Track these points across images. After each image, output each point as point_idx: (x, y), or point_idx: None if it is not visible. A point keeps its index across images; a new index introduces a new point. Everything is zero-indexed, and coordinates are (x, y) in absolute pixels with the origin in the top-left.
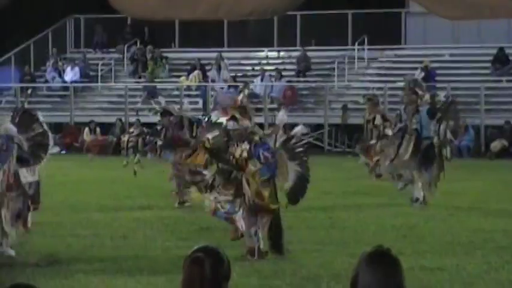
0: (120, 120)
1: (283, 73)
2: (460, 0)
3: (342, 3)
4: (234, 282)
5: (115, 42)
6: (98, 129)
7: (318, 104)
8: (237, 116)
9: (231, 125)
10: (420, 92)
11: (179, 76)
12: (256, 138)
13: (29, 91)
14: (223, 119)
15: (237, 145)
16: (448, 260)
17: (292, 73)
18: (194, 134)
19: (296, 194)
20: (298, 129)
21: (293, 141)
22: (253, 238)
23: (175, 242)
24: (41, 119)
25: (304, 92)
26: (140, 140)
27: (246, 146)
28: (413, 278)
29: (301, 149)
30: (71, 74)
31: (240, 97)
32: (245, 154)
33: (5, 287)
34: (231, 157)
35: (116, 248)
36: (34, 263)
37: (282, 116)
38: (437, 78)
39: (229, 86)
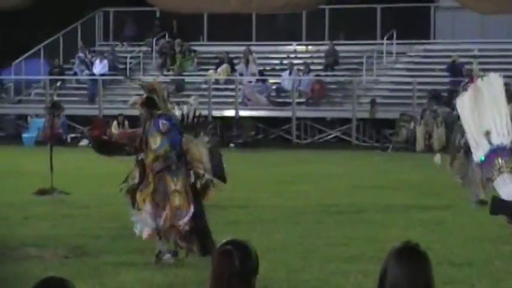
0: None
1: (311, 67)
2: None
3: None
4: (261, 276)
5: (144, 36)
6: (126, 122)
7: (346, 99)
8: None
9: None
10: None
11: (207, 70)
12: (156, 112)
13: (58, 83)
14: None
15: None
16: (476, 255)
17: (320, 67)
18: None
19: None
20: (191, 102)
21: (189, 116)
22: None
23: None
24: None
25: (332, 86)
26: None
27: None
28: (441, 273)
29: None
30: (99, 67)
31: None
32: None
33: (35, 280)
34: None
35: (144, 240)
36: (63, 255)
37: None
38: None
39: (257, 80)
